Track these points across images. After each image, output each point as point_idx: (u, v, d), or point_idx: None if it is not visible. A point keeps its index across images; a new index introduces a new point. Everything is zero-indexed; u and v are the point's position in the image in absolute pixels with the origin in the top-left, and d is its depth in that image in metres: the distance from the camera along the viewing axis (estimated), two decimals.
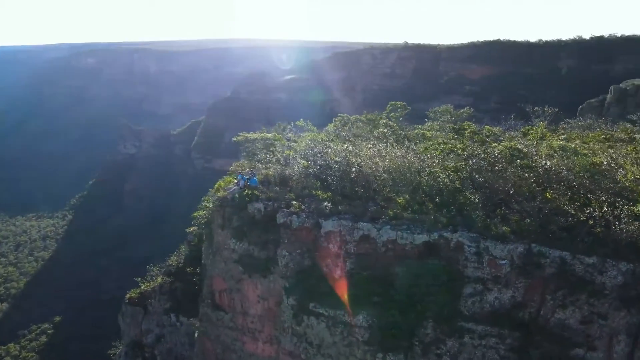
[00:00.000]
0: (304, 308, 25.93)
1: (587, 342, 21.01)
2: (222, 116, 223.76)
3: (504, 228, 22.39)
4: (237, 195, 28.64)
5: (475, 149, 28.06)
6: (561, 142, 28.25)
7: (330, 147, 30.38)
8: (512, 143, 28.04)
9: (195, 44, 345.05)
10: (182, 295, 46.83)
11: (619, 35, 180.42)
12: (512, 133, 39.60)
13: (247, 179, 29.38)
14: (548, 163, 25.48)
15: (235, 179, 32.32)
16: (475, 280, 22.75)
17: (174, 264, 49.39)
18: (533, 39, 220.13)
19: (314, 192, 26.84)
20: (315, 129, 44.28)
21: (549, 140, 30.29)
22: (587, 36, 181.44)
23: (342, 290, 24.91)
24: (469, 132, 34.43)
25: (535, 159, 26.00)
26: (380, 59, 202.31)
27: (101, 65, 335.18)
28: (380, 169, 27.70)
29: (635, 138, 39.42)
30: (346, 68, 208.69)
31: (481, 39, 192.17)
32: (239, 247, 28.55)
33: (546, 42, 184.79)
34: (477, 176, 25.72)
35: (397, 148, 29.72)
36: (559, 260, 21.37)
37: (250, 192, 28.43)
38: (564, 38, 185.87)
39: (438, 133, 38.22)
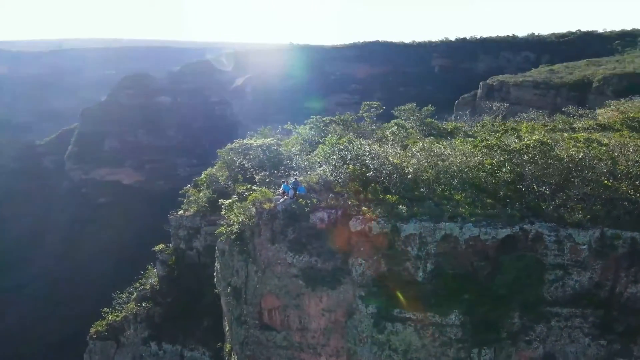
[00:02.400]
0: (387, 315, 25.60)
1: None
2: (99, 122, 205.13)
3: (579, 216, 24.28)
4: (293, 205, 27.07)
5: (510, 143, 29.75)
6: (585, 135, 31.31)
7: (375, 150, 30.07)
8: (539, 137, 30.27)
9: (56, 44, 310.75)
10: (162, 320, 42.74)
11: (478, 37, 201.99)
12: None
13: (295, 188, 27.93)
14: (581, 154, 28.04)
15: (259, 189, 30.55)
16: (555, 267, 24.51)
17: (148, 287, 44.72)
18: (407, 40, 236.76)
19: (381, 197, 26.43)
20: (306, 130, 43.19)
21: (570, 134, 33.33)
22: (453, 37, 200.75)
23: (429, 292, 25.05)
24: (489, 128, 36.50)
25: (571, 150, 28.35)
26: (269, 60, 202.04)
27: None
28: (430, 169, 28.25)
29: (575, 127, 45.02)
30: (235, 69, 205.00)
31: (361, 40, 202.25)
32: (298, 261, 27.08)
33: (419, 43, 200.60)
34: (526, 169, 27.40)
35: (444, 147, 30.41)
36: (630, 241, 23.89)
37: (307, 201, 27.07)
38: (433, 39, 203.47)
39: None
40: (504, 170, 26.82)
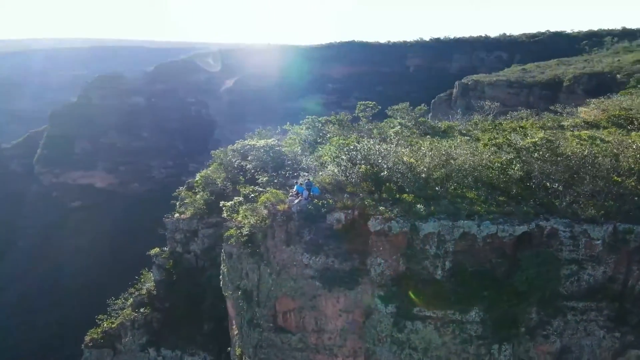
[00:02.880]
0: (407, 314, 25.69)
1: None
2: (69, 124, 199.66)
3: (592, 212, 24.89)
4: (309, 206, 26.86)
5: (517, 141, 30.25)
6: (589, 132, 32.09)
7: (386, 149, 30.12)
8: (543, 135, 30.89)
9: (25, 44, 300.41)
10: (160, 326, 41.84)
11: (452, 37, 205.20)
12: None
13: (309, 188, 27.73)
14: (586, 151, 28.73)
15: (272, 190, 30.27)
16: (571, 262, 25.08)
17: (144, 292, 43.69)
18: (383, 40, 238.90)
19: (397, 196, 26.50)
20: (302, 131, 42.97)
21: (574, 131, 34.08)
22: (427, 38, 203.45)
23: (449, 290, 25.25)
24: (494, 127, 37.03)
25: (576, 148, 29.04)
26: (246, 60, 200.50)
27: None
28: (442, 168, 28.52)
29: (563, 125, 46.16)
30: (210, 69, 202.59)
31: (338, 40, 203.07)
32: (315, 262, 26.89)
33: (394, 43, 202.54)
34: (536, 167, 27.92)
35: (454, 146, 30.66)
36: None
37: (323, 202, 26.91)
38: (408, 39, 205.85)
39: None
40: (516, 168, 27.23)
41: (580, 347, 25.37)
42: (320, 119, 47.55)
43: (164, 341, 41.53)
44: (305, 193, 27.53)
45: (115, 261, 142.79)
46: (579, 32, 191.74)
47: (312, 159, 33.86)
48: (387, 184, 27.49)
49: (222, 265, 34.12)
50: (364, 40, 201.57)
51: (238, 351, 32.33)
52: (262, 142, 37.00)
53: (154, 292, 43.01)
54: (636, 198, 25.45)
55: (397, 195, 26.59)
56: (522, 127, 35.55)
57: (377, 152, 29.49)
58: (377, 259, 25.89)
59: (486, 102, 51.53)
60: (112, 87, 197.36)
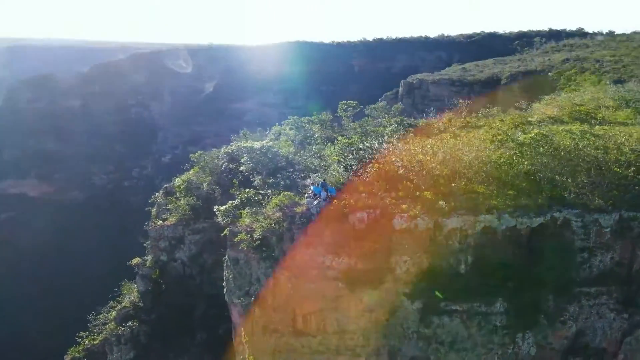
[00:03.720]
0: (434, 309, 26.08)
1: None
2: None
3: (600, 201, 26.42)
4: (332, 207, 26.59)
5: (518, 137, 31.48)
6: (582, 127, 33.89)
7: (399, 147, 30.37)
8: (538, 131, 32.36)
9: None
10: (149, 339, 39.90)
11: (394, 37, 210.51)
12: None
13: (326, 189, 27.48)
14: (580, 145, 30.40)
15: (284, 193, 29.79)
16: (582, 250, 26.46)
17: (128, 305, 41.41)
18: (327, 40, 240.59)
19: (417, 194, 26.81)
20: (286, 131, 42.48)
21: (565, 126, 35.79)
22: (370, 38, 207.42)
23: (474, 283, 25.90)
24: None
25: (570, 141, 30.62)
26: (186, 61, 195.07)
27: None
28: (454, 164, 29.19)
29: (531, 121, 48.70)
30: (149, 70, 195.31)
31: (283, 40, 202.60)
32: (337, 263, 26.65)
33: (339, 43, 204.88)
34: (542, 161, 29.21)
35: (461, 142, 31.32)
36: None
37: (344, 202, 26.74)
38: (352, 40, 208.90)
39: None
40: (526, 162, 28.34)
41: (593, 329, 26.83)
42: (302, 119, 47.36)
43: (153, 355, 39.65)
44: (324, 194, 27.28)
45: (58, 274, 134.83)
46: (510, 33, 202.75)
47: (313, 160, 33.58)
48: (404, 182, 27.74)
49: (225, 272, 33.09)
50: (310, 40, 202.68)
51: (250, 359, 31.44)
52: (257, 144, 36.15)
53: (140, 304, 40.92)
54: (637, 187, 27.20)
55: (417, 193, 26.89)
56: (524, 123, 37.00)
57: (389, 151, 29.69)
58: (402, 256, 26.08)
59: (461, 100, 53.14)
60: (42, 89, 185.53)
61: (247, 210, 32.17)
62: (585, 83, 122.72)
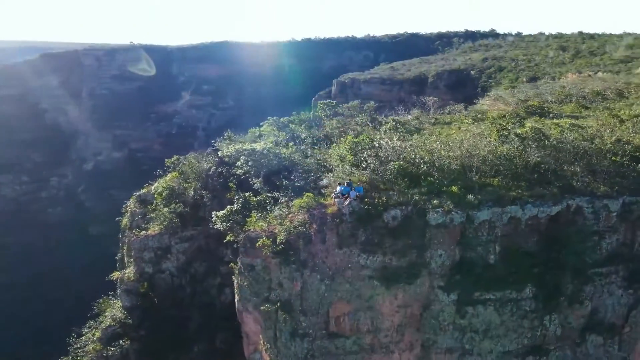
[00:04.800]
0: (469, 299, 26.90)
1: None
2: None
3: (606, 188, 28.65)
4: (367, 207, 26.45)
5: (516, 130, 33.22)
6: (570, 121, 36.34)
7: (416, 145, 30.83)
8: (533, 125, 34.42)
9: None
10: (140, 357, 37.37)
11: (322, 37, 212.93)
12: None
13: (353, 189, 27.32)
14: (572, 137, 32.74)
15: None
16: (594, 234, 28.48)
17: (114, 323, 38.34)
18: (256, 40, 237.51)
19: (444, 189, 27.45)
20: (269, 131, 41.64)
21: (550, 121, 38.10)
22: (299, 38, 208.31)
23: (503, 271, 27.03)
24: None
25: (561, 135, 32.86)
26: (106, 61, 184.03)
27: None
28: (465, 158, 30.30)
29: (491, 117, 51.56)
30: (63, 72, 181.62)
31: (208, 40, 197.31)
32: (372, 262, 26.64)
33: (267, 43, 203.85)
34: (549, 153, 31.07)
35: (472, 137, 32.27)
36: None
37: (381, 201, 26.75)
38: (281, 40, 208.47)
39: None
40: (535, 155, 29.99)
41: (605, 307, 29.07)
42: (282, 119, 46.62)
43: None
44: (353, 193, 27.08)
45: None
46: (431, 34, 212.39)
47: (320, 160, 33.31)
48: (429, 178, 28.29)
49: (237, 280, 31.67)
50: (237, 40, 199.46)
51: None
52: (258, 146, 35.00)
53: (129, 320, 38.17)
54: (633, 174, 29.75)
55: (444, 188, 27.52)
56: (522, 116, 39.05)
57: (408, 148, 30.16)
58: (437, 250, 26.62)
59: (428, 98, 55.00)
60: None
61: (256, 214, 31.12)
62: (505, 80, 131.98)
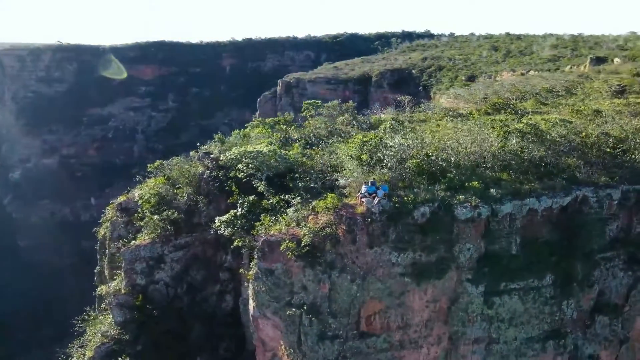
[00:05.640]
0: (495, 290, 27.79)
1: None
2: None
3: (606, 178, 30.64)
4: (397, 205, 26.50)
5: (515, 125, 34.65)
6: (559, 116, 38.26)
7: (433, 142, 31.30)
8: (528, 120, 36.06)
9: None
10: None
11: (263, 37, 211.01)
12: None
13: (378, 187, 27.37)
14: (563, 131, 34.71)
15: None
16: (599, 221, 30.34)
17: (106, 339, 35.76)
18: (194, 40, 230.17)
19: (466, 184, 28.13)
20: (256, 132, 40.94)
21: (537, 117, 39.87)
22: (239, 38, 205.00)
23: (526, 261, 28.16)
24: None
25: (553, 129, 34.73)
26: (31, 62, 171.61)
27: None
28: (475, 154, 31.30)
29: (462, 114, 53.65)
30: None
31: (144, 40, 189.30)
32: (403, 259, 26.78)
33: (207, 43, 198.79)
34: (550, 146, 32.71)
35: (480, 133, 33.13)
36: (637, 193, 31.21)
37: (409, 198, 26.91)
38: (221, 40, 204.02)
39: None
40: (542, 149, 31.47)
41: (610, 288, 31.05)
42: (268, 120, 45.77)
43: None
44: (380, 192, 27.09)
45: None
46: (370, 34, 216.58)
47: (328, 160, 33.12)
48: (448, 174, 28.88)
49: (253, 285, 30.65)
50: (175, 40, 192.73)
51: None
52: (264, 148, 33.99)
53: (124, 337, 35.83)
54: (627, 164, 31.98)
55: (466, 184, 28.20)
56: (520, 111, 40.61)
57: (426, 145, 30.69)
58: (465, 244, 27.24)
59: (403, 97, 56.01)
60: None
61: (268, 217, 30.31)
62: (445, 79, 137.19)
